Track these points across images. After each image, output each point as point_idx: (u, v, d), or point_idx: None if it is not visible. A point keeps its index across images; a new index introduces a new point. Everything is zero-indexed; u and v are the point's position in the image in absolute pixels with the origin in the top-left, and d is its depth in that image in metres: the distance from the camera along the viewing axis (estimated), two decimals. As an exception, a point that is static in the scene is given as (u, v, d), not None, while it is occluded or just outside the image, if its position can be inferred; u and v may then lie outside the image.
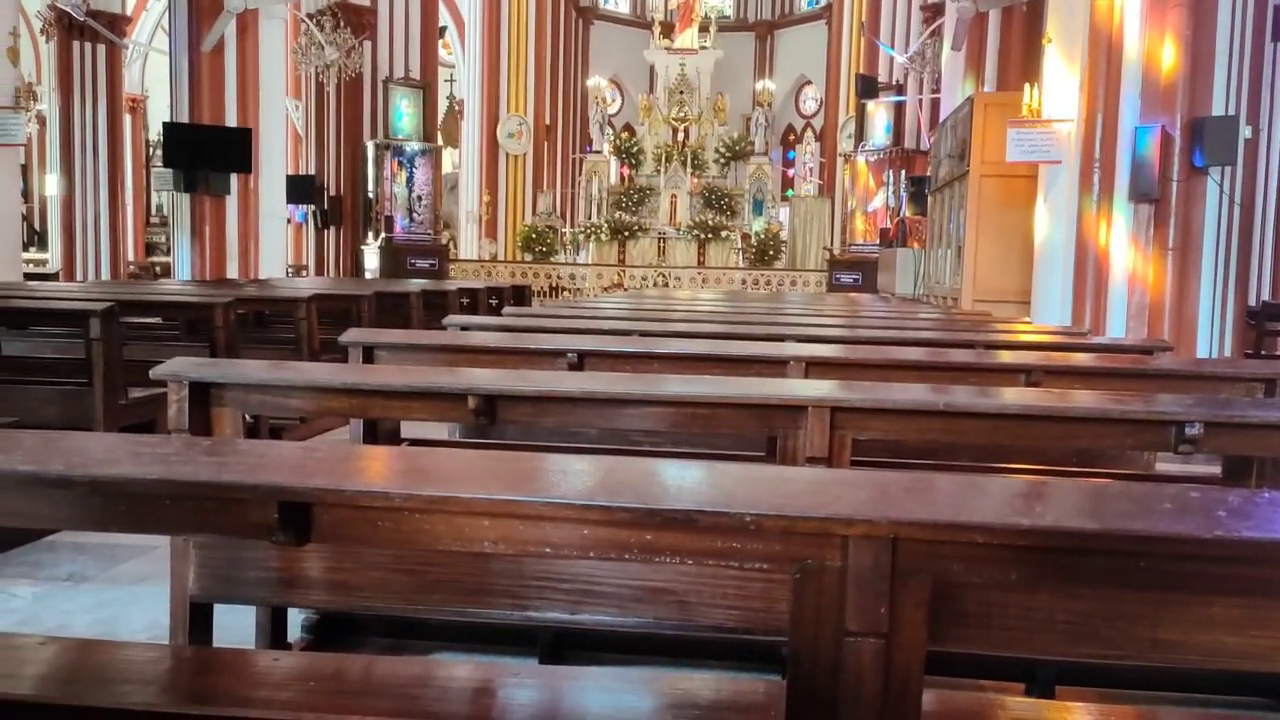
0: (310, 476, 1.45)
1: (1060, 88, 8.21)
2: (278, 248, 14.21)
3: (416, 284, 11.40)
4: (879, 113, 16.77)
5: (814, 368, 3.90)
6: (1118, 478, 3.36)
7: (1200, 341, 7.34)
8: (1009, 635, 2.30)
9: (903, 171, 16.45)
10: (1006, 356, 4.28)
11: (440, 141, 19.96)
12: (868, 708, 1.48)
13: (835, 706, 1.48)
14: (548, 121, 25.12)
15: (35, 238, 20.83)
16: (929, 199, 12.94)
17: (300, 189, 16.99)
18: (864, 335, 5.35)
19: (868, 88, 16.09)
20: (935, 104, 14.65)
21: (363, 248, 17.78)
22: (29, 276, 12.37)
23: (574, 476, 1.56)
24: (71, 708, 1.56)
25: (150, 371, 2.66)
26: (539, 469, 1.62)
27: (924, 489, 1.57)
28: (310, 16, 16.71)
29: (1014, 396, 2.96)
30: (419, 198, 17.86)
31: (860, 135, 17.45)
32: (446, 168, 23.00)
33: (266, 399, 2.78)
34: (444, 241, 19.53)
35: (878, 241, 16.66)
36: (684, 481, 1.60)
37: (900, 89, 16.53)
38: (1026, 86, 8.56)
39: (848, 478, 1.68)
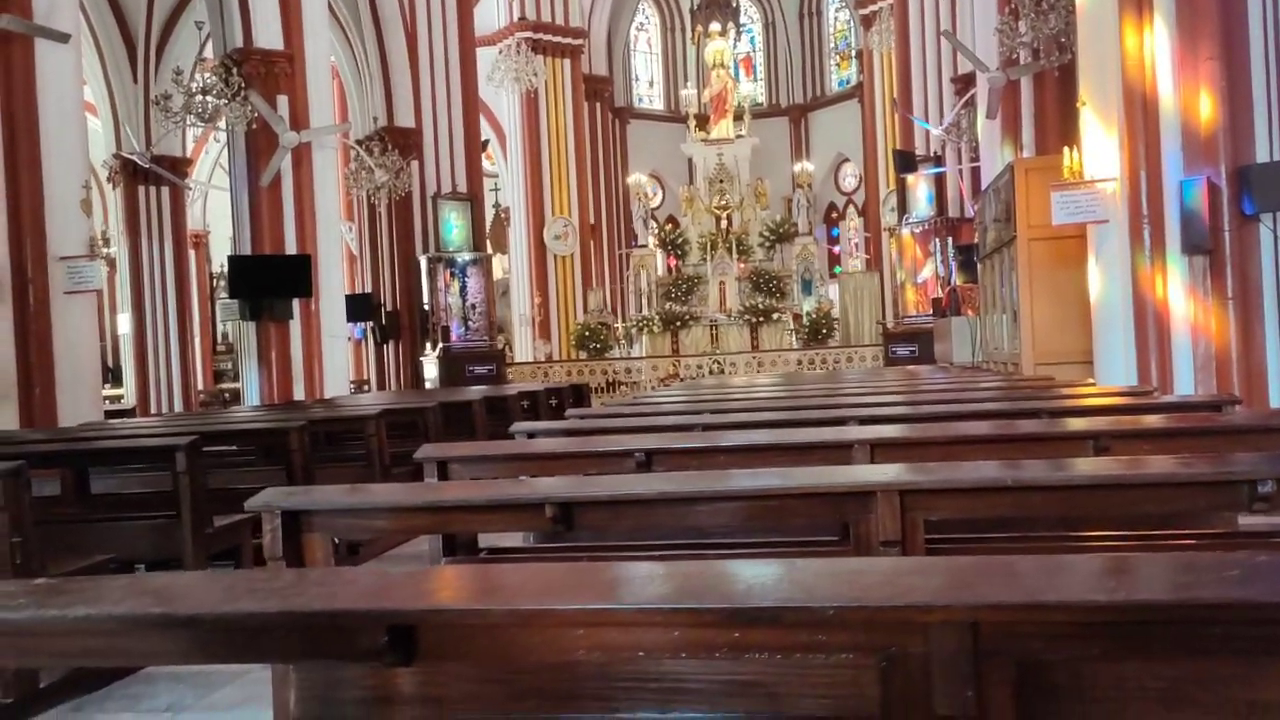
0: (415, 600, 1.54)
1: (1099, 148, 8.27)
2: (340, 366, 14.59)
3: (477, 391, 11.59)
4: (920, 185, 16.90)
5: (880, 449, 3.94)
6: (1198, 539, 3.33)
7: (1273, 392, 7.23)
8: (1103, 708, 2.29)
9: (949, 240, 16.50)
10: (1073, 424, 4.28)
11: (490, 249, 20.44)
12: (964, 791, 1.51)
13: (932, 792, 1.52)
14: (592, 220, 25.61)
15: (110, 374, 21.53)
16: (979, 266, 12.96)
17: (359, 307, 17.47)
18: (926, 411, 5.37)
19: (905, 163, 16.27)
20: (976, 172, 14.75)
21: (421, 359, 18.15)
22: (108, 414, 12.77)
23: (660, 581, 1.64)
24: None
25: (245, 503, 2.79)
26: (625, 576, 1.70)
27: (999, 571, 1.62)
28: (359, 143, 17.36)
29: (1081, 466, 2.98)
30: (473, 306, 18.26)
31: (903, 208, 17.56)
32: (497, 274, 23.47)
33: (353, 522, 2.89)
34: (500, 346, 19.87)
35: (930, 312, 16.66)
36: (766, 579, 1.66)
37: (939, 159, 16.67)
38: (1065, 149, 8.63)
39: (924, 565, 1.73)
